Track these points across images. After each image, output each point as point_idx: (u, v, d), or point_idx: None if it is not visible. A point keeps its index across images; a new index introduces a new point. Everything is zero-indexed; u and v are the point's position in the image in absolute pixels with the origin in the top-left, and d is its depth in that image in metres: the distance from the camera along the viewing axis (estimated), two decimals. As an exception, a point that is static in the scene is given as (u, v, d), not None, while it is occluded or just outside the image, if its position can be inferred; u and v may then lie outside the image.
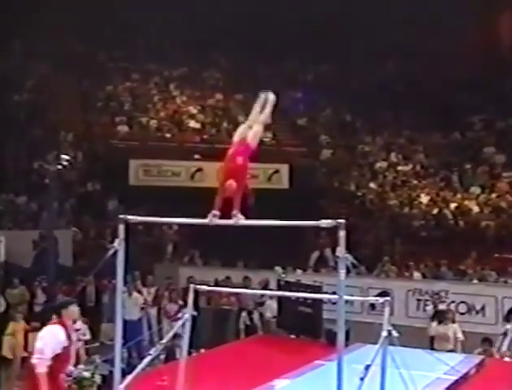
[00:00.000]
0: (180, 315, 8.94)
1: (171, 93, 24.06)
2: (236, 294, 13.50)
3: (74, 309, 6.42)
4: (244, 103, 24.20)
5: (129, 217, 6.84)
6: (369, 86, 25.11)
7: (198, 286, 8.20)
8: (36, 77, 22.64)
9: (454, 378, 9.38)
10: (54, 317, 6.36)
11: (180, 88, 24.26)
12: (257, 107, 7.18)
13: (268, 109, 7.16)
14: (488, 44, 23.45)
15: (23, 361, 10.68)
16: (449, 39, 23.92)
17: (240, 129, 7.02)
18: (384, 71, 26.12)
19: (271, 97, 7.22)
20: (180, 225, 16.90)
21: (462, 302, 12.84)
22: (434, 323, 11.73)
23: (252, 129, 6.99)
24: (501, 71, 23.57)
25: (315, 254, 16.87)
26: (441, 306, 12.52)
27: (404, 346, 7.03)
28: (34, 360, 6.02)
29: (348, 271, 6.02)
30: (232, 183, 6.44)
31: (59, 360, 6.11)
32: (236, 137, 6.94)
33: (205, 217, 6.53)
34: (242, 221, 6.42)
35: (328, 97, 25.07)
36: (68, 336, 6.20)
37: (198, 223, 6.52)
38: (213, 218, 6.44)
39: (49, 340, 6.06)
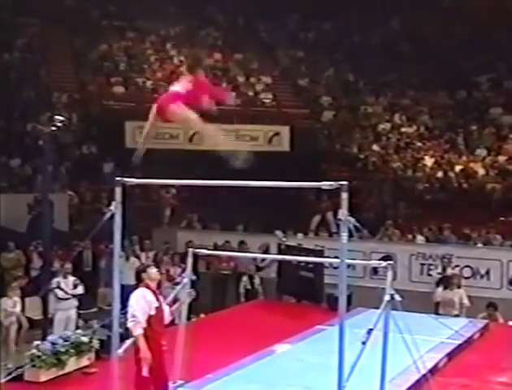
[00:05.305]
0: (179, 280, 9.01)
1: (168, 53, 23.78)
2: (236, 258, 13.54)
3: (152, 271, 6.64)
4: (243, 63, 24.02)
5: (126, 179, 6.83)
6: (372, 44, 24.80)
7: (197, 250, 8.23)
8: (27, 35, 22.35)
9: (458, 342, 9.51)
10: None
11: (177, 48, 23.98)
12: None
13: None
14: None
15: (18, 330, 10.69)
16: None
17: None
18: (388, 29, 25.77)
19: None
20: (178, 189, 16.91)
21: (467, 266, 12.90)
22: (440, 289, 11.81)
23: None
24: (511, 29, 23.25)
25: (317, 218, 16.91)
26: (450, 270, 12.54)
27: (407, 311, 7.07)
28: (129, 324, 6.33)
29: (350, 235, 5.99)
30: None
31: (154, 321, 6.35)
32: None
33: (204, 179, 6.45)
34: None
35: (330, 57, 24.81)
36: (157, 298, 6.43)
37: (198, 185, 6.48)
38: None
39: (137, 303, 6.34)
